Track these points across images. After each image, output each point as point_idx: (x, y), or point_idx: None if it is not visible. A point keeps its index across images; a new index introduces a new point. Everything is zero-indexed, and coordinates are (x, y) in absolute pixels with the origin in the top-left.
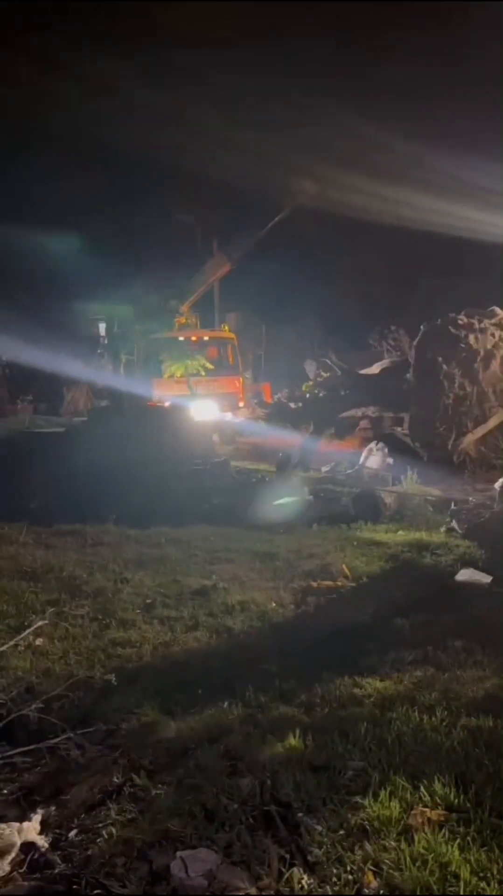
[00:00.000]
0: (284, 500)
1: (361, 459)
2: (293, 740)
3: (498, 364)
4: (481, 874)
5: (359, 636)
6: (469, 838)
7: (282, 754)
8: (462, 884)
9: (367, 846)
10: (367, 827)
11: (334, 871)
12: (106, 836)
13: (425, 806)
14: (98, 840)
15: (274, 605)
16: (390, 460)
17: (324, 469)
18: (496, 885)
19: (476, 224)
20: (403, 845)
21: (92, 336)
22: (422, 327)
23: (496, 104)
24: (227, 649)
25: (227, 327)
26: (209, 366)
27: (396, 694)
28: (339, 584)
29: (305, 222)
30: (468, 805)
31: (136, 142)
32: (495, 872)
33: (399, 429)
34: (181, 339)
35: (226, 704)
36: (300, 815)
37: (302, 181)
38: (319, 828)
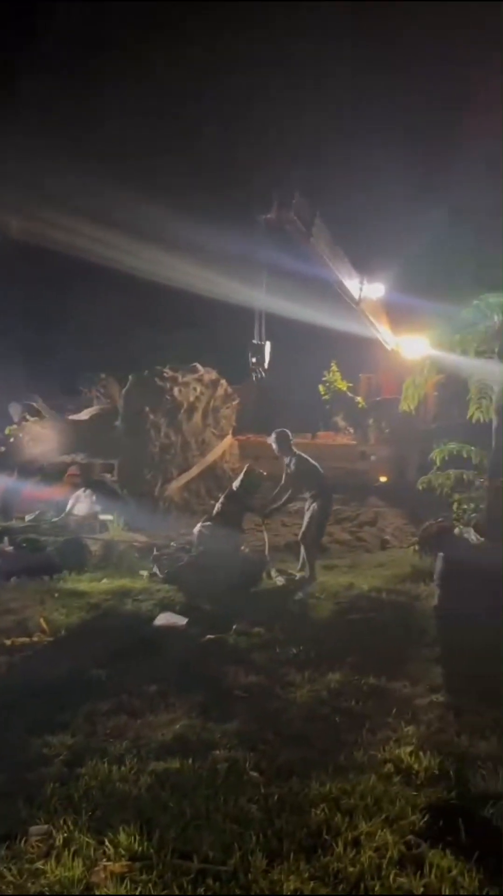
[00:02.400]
0: None
1: (68, 507)
2: None
3: (199, 416)
4: None
5: (53, 692)
6: (150, 884)
7: None
8: None
9: None
10: (48, 892)
11: None
12: None
13: (108, 860)
14: None
15: None
16: (98, 507)
17: (28, 517)
18: None
19: (189, 278)
20: None
21: None
22: (130, 377)
23: (211, 164)
24: None
25: None
26: None
27: (87, 748)
28: (36, 639)
29: (15, 258)
30: (152, 851)
31: None
32: None
33: (108, 475)
34: None
35: None
36: None
37: (7, 215)
38: None
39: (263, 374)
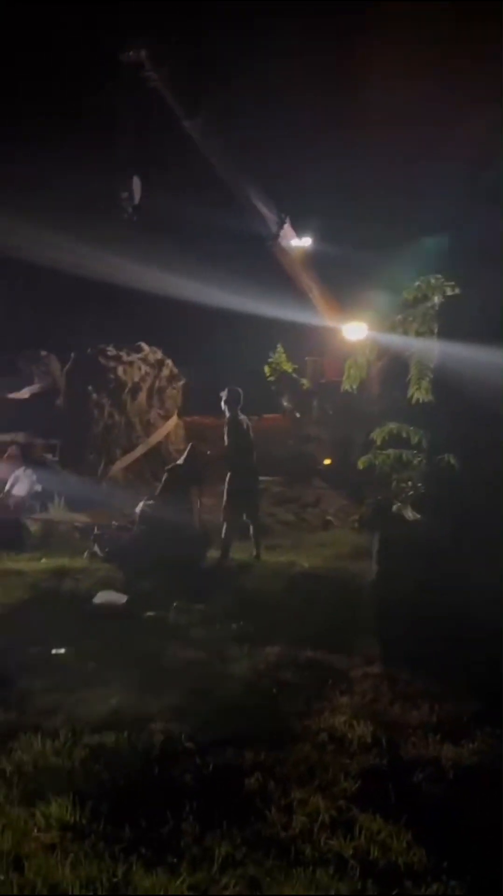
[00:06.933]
0: None
1: (7, 487)
2: None
3: (144, 396)
4: (90, 886)
5: None
6: (82, 854)
7: None
8: None
9: None
10: None
11: None
12: None
13: (40, 830)
14: None
15: None
16: (38, 487)
17: None
18: (103, 891)
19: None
20: (12, 875)
21: None
22: (72, 355)
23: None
24: None
25: None
26: None
27: (20, 723)
28: None
29: None
30: (84, 821)
31: None
32: (104, 881)
33: (50, 455)
34: None
35: None
36: None
37: None
38: None
39: (134, 215)
